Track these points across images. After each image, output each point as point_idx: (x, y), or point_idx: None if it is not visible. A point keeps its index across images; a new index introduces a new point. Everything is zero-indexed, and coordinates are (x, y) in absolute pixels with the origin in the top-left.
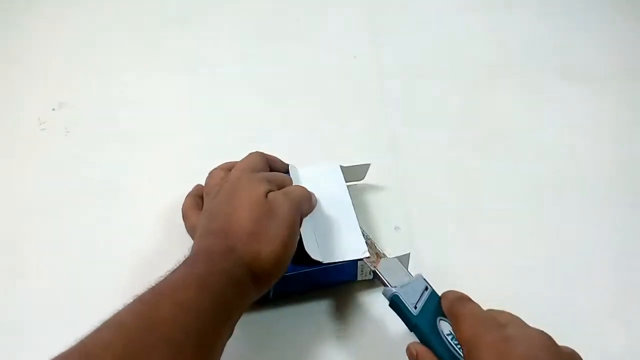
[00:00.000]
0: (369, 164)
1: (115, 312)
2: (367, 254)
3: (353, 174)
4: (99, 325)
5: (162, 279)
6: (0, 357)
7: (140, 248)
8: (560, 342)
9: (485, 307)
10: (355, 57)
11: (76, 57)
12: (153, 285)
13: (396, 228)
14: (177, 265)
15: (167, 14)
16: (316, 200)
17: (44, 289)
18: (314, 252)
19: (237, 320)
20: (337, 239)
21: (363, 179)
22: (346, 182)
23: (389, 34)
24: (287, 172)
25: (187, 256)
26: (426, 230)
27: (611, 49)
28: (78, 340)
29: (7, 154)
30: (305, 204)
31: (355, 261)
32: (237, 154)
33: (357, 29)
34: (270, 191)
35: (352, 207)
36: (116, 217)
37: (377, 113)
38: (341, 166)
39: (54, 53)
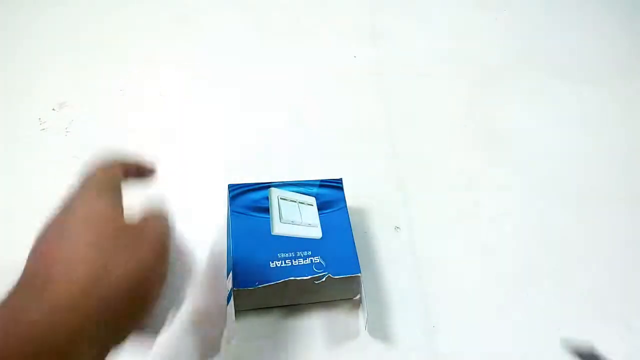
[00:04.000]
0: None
1: None
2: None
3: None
4: None
5: None
6: None
7: None
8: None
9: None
10: (355, 57)
11: (76, 57)
12: None
13: (396, 228)
14: None
15: (167, 14)
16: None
17: None
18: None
19: None
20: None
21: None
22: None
23: (389, 34)
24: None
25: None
26: (426, 230)
27: (611, 49)
28: None
29: (7, 153)
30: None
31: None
32: (238, 154)
33: (357, 29)
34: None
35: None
36: None
37: (377, 113)
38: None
39: (54, 53)
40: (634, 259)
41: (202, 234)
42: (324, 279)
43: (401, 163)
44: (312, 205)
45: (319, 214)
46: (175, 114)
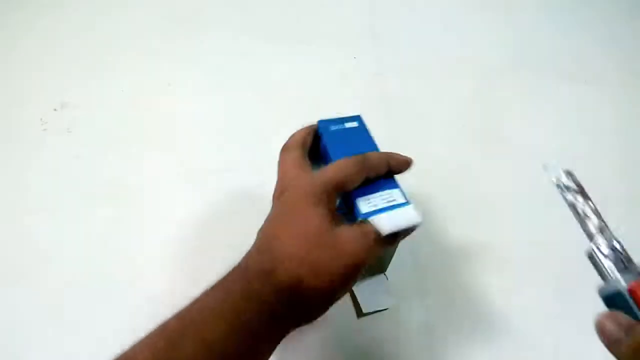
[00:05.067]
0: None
1: (134, 343)
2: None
3: None
4: None
5: (197, 298)
6: (2, 357)
7: (142, 248)
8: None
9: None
10: (355, 57)
11: (78, 57)
12: (185, 308)
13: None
14: (215, 282)
15: (168, 15)
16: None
17: (45, 289)
18: None
19: (270, 354)
20: None
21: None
22: None
23: (389, 34)
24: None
25: (229, 271)
26: (426, 230)
27: (611, 49)
28: None
29: (9, 154)
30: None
31: None
32: (238, 154)
33: (357, 29)
34: (336, 218)
35: None
36: (118, 217)
37: (377, 113)
38: None
39: (55, 53)
40: (633, 258)
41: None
42: None
43: None
44: None
45: None
46: (176, 113)
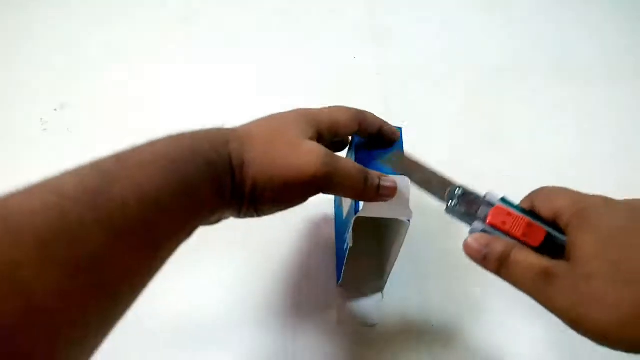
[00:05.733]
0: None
1: (63, 173)
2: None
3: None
4: (37, 183)
5: (139, 147)
6: None
7: None
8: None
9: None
10: (355, 57)
11: (78, 57)
12: (124, 152)
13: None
14: (162, 137)
15: (168, 14)
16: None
17: None
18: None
19: (197, 228)
20: None
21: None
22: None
23: (389, 34)
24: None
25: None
26: (427, 231)
27: (611, 48)
28: (5, 196)
29: (9, 154)
30: (347, 182)
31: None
32: None
33: (357, 29)
34: (316, 140)
35: None
36: None
37: (376, 113)
38: None
39: (55, 53)
40: None
41: None
42: None
43: None
44: None
45: None
46: (176, 113)
